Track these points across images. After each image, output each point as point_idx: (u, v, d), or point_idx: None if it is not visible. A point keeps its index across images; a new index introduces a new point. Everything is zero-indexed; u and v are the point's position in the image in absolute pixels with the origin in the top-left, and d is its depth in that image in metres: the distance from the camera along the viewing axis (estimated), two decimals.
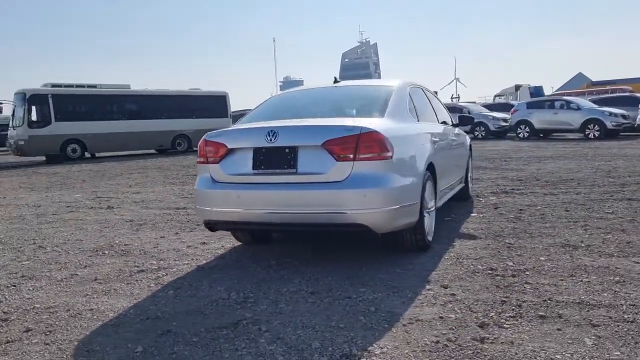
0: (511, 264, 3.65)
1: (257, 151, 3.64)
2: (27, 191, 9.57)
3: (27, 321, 2.99)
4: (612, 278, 3.24)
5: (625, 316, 2.65)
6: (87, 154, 19.25)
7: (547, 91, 40.24)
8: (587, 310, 2.75)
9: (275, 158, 3.58)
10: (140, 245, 4.76)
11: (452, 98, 60.62)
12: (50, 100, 18.01)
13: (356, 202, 3.39)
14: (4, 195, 9.00)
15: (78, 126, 18.51)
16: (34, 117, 17.89)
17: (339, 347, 2.45)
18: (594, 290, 3.04)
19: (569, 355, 2.27)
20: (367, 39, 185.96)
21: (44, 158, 18.08)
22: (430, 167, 4.16)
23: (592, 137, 17.19)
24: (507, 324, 2.63)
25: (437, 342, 2.46)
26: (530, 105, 19.53)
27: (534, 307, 2.83)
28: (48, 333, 2.81)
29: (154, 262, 4.18)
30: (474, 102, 33.04)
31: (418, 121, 4.42)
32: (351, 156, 3.42)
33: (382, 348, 2.43)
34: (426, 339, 2.50)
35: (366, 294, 3.17)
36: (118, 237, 5.15)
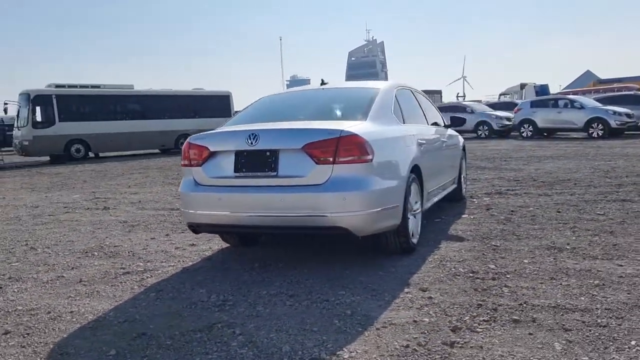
0: (493, 266, 3.64)
1: (238, 154, 3.66)
2: (28, 192, 9.67)
3: (7, 323, 3.02)
4: (592, 281, 3.23)
5: (599, 320, 2.64)
6: (90, 154, 19.39)
7: (555, 89, 40.00)
8: (562, 315, 2.74)
9: (256, 161, 3.60)
10: (130, 247, 4.80)
11: (457, 97, 60.54)
12: (54, 101, 18.17)
13: (336, 205, 3.40)
14: (3, 196, 9.10)
15: (82, 126, 18.66)
16: (38, 118, 18.05)
17: (308, 351, 2.46)
18: (571, 294, 3.03)
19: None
20: (374, 38, 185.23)
21: (48, 158, 18.26)
22: (416, 169, 4.16)
23: (595, 136, 17.05)
24: (480, 328, 2.63)
25: (407, 346, 2.47)
26: (533, 104, 19.40)
27: (508, 311, 2.82)
28: (26, 335, 2.84)
29: (141, 263, 4.21)
30: (479, 101, 32.91)
31: (404, 123, 4.42)
32: (331, 159, 3.43)
33: (351, 352, 2.43)
34: (396, 343, 2.50)
35: (345, 297, 3.18)
36: (109, 239, 5.20)
